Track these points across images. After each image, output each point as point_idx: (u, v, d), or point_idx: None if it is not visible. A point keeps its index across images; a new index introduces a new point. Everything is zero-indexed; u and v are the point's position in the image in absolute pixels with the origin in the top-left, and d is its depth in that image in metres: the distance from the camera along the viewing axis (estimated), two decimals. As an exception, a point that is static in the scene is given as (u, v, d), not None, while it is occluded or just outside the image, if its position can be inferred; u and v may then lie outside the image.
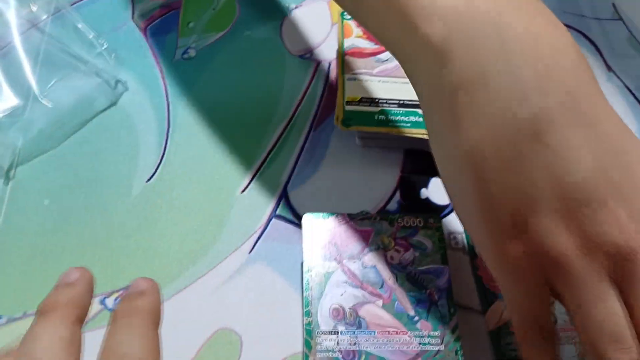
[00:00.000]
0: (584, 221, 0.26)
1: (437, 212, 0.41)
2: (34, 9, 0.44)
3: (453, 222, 0.40)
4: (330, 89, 0.46)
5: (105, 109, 0.44)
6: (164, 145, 0.43)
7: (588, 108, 0.27)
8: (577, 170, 0.26)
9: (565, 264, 0.26)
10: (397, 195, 0.42)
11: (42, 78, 0.42)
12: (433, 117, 0.30)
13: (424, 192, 0.42)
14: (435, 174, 0.42)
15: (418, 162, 0.43)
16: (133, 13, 0.49)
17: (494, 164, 0.27)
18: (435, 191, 0.42)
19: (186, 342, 0.35)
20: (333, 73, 0.47)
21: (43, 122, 0.41)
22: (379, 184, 0.42)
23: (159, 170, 0.42)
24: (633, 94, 0.47)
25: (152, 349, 0.27)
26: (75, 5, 0.48)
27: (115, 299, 0.37)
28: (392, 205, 0.41)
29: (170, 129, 0.43)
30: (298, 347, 0.34)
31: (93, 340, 0.31)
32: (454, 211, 0.32)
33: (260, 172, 0.42)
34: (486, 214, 0.28)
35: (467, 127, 0.28)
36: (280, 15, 0.50)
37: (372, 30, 0.34)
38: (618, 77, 0.48)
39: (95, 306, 0.36)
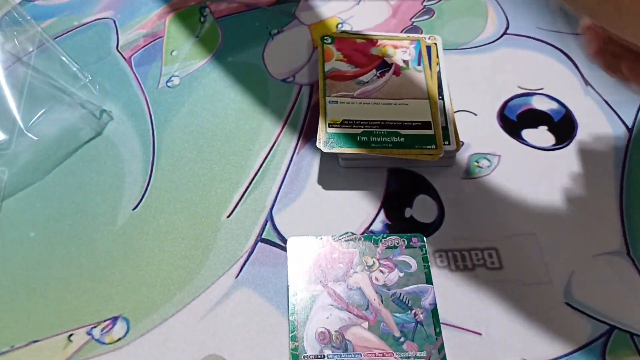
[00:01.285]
0: None
1: (421, 230, 0.41)
2: (18, 43, 0.44)
3: (438, 241, 0.41)
4: (313, 112, 0.46)
5: (90, 139, 0.44)
6: (149, 173, 0.43)
7: None
8: None
9: None
10: (382, 215, 0.42)
11: (27, 111, 0.43)
12: None
13: (408, 211, 0.42)
14: (420, 192, 0.43)
15: (402, 182, 0.44)
16: (117, 43, 0.49)
17: None
18: (419, 210, 0.42)
19: (174, 369, 0.35)
20: (315, 96, 0.47)
21: (29, 155, 0.42)
22: (363, 205, 0.42)
23: (144, 198, 0.42)
24: (611, 108, 0.48)
25: None
26: (59, 38, 0.49)
27: (102, 330, 0.37)
28: (377, 225, 0.41)
29: (156, 157, 0.44)
30: (286, 371, 0.34)
31: None
32: None
33: (245, 196, 0.42)
34: None
35: None
36: (263, 40, 0.50)
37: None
38: (595, 91, 0.49)
39: (82, 337, 0.36)
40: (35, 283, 0.38)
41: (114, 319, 0.37)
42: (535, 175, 0.44)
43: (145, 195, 0.42)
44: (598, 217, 0.42)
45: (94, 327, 0.37)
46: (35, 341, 0.36)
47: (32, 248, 0.40)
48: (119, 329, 0.37)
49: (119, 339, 0.36)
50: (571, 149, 0.46)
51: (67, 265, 0.39)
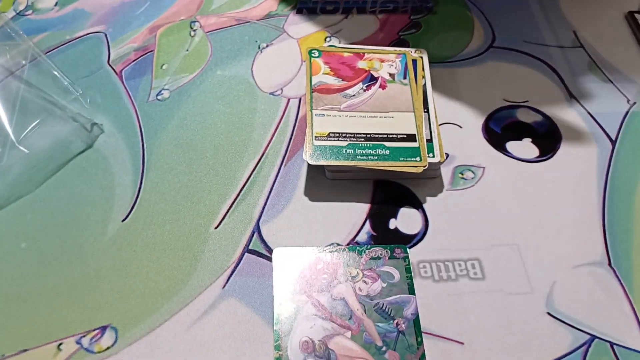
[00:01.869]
0: None
1: (405, 242, 0.42)
2: (11, 57, 0.45)
3: (422, 251, 0.42)
4: (300, 125, 0.47)
5: (81, 152, 0.45)
6: (139, 185, 0.44)
7: None
8: None
9: None
10: (367, 226, 0.43)
11: (19, 125, 0.43)
12: None
13: (393, 222, 0.43)
14: (404, 204, 0.44)
15: (387, 193, 0.44)
16: (109, 57, 0.50)
17: None
18: (404, 221, 0.43)
19: (161, 379, 0.36)
20: (303, 109, 0.48)
21: (20, 167, 0.43)
22: (349, 216, 0.43)
23: (134, 210, 0.43)
24: (595, 120, 0.49)
25: None
26: (51, 52, 0.50)
27: (91, 339, 0.37)
28: (362, 236, 0.42)
29: (145, 169, 0.45)
30: (270, 380, 0.35)
31: None
32: None
33: (233, 208, 0.43)
34: None
35: None
36: (251, 54, 0.51)
37: None
38: (580, 104, 0.50)
39: (71, 346, 0.37)
40: (26, 293, 0.39)
41: (103, 329, 0.38)
42: (519, 187, 0.45)
43: (135, 206, 0.43)
44: (580, 228, 0.43)
45: (83, 336, 0.38)
46: (25, 350, 0.37)
47: (24, 259, 0.40)
48: (108, 338, 0.37)
49: (108, 348, 0.37)
50: (555, 161, 0.47)
51: (58, 275, 0.40)
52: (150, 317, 0.38)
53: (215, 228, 0.42)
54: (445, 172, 0.46)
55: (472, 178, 0.46)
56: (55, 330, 0.38)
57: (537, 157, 0.47)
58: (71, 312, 0.38)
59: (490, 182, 0.45)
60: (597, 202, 0.44)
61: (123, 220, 0.42)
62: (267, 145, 0.46)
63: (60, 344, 0.37)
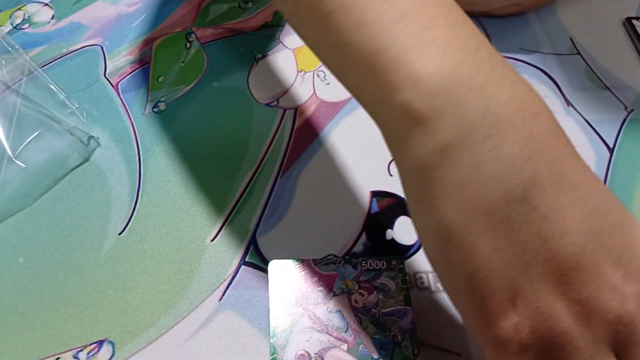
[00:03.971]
0: (579, 287, 0.25)
1: (402, 252, 0.42)
2: (7, 72, 0.45)
3: (418, 263, 0.41)
4: (296, 136, 0.47)
5: (78, 166, 0.45)
6: (135, 198, 0.44)
7: (571, 171, 0.27)
8: (568, 233, 0.26)
9: (562, 332, 0.25)
10: (364, 237, 0.43)
11: (16, 139, 0.44)
12: (413, 187, 0.30)
13: (390, 233, 0.43)
14: (400, 214, 0.44)
15: (383, 204, 0.44)
16: (105, 70, 0.50)
17: (482, 229, 0.27)
18: (401, 231, 0.43)
19: (158, 393, 0.36)
20: (299, 120, 0.48)
21: (17, 182, 0.43)
22: (345, 227, 0.43)
23: (130, 223, 0.43)
24: (592, 127, 0.49)
25: None
26: (47, 65, 0.50)
27: (88, 353, 0.37)
28: (359, 247, 0.42)
29: (142, 182, 0.45)
30: (267, 393, 0.35)
31: None
32: (442, 287, 0.31)
33: (229, 220, 0.43)
34: (476, 281, 0.27)
35: (451, 194, 0.27)
36: (247, 65, 0.51)
37: (351, 90, 0.32)
38: (577, 111, 0.50)
39: (68, 361, 0.37)
40: (23, 308, 0.39)
41: (100, 343, 0.38)
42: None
43: (131, 220, 0.43)
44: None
45: (80, 350, 0.38)
46: (22, 366, 0.37)
47: (21, 273, 0.41)
48: (105, 352, 0.37)
49: (105, 364, 0.37)
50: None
51: (55, 290, 0.40)
52: (147, 330, 0.38)
53: (212, 240, 0.42)
54: (442, 182, 0.46)
55: (469, 187, 0.45)
56: (52, 345, 0.38)
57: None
58: (68, 326, 0.38)
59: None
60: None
61: (119, 233, 0.42)
62: (264, 157, 0.46)
63: (58, 359, 0.37)
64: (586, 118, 0.49)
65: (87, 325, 0.39)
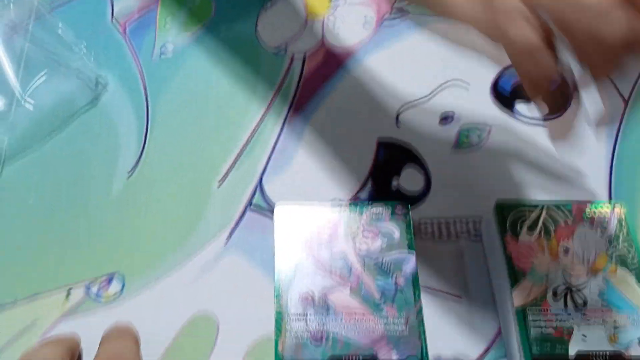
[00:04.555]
0: None
1: (408, 200, 0.42)
2: (15, 15, 0.45)
3: (423, 210, 0.42)
4: (304, 83, 0.47)
5: (86, 109, 0.45)
6: (143, 142, 0.44)
7: None
8: None
9: None
10: (370, 185, 0.43)
11: (24, 82, 0.44)
12: None
13: (396, 181, 0.43)
14: (407, 163, 0.44)
15: (390, 152, 0.44)
16: (112, 14, 0.50)
17: None
18: (407, 180, 0.43)
19: (166, 325, 0.37)
20: (307, 66, 0.48)
21: (26, 124, 0.43)
22: (351, 174, 0.43)
23: (138, 167, 0.43)
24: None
25: (138, 353, 0.32)
26: (55, 9, 0.49)
27: (99, 287, 0.38)
28: (364, 194, 0.42)
29: (149, 126, 0.45)
30: (271, 329, 0.36)
31: (80, 324, 0.36)
32: None
33: (236, 165, 0.43)
34: None
35: None
36: (256, 11, 0.51)
37: None
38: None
39: (80, 293, 0.38)
40: (36, 244, 0.40)
41: (110, 277, 0.39)
42: (525, 148, 0.45)
43: (139, 164, 0.43)
44: (587, 189, 0.43)
45: (91, 283, 0.39)
46: (36, 295, 0.38)
47: (32, 213, 0.41)
48: (115, 286, 0.39)
49: (115, 296, 0.38)
50: (564, 120, 0.46)
51: (65, 227, 0.41)
52: (155, 269, 0.39)
53: (219, 185, 0.43)
54: (450, 133, 0.45)
55: (478, 138, 0.45)
56: (64, 277, 0.39)
57: (546, 115, 0.46)
58: (79, 261, 0.40)
59: (496, 143, 0.45)
60: (605, 164, 0.44)
61: (128, 177, 0.43)
62: (271, 103, 0.46)
63: (70, 291, 0.38)
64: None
65: (97, 261, 0.40)
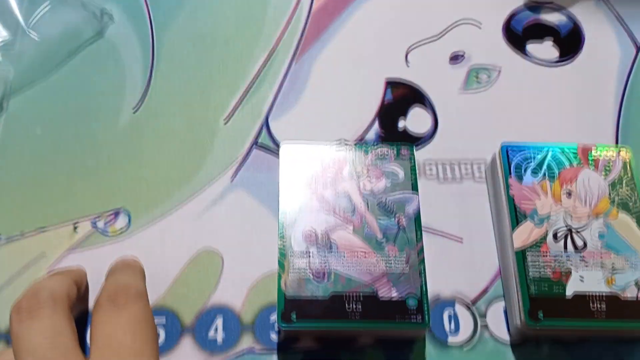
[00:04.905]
0: None
1: (413, 141, 0.42)
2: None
3: (429, 151, 0.42)
4: (313, 19, 0.46)
5: (91, 41, 0.45)
6: (149, 76, 0.44)
7: None
8: None
9: None
10: (376, 125, 0.43)
11: (29, 11, 0.43)
12: None
13: (402, 122, 0.43)
14: (414, 104, 0.43)
15: (398, 92, 0.44)
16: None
17: None
18: (413, 121, 0.43)
19: (171, 260, 0.38)
20: (316, 3, 0.47)
21: (32, 53, 0.43)
22: (358, 114, 0.43)
23: (145, 101, 0.43)
24: (622, 23, 0.47)
25: (144, 286, 0.34)
26: None
27: (105, 222, 0.39)
28: (370, 135, 0.42)
29: (155, 60, 0.44)
30: (275, 266, 0.37)
31: (86, 258, 0.37)
32: None
33: (243, 102, 0.43)
34: None
35: None
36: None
37: None
38: (608, 5, 0.48)
39: (86, 227, 0.39)
40: (43, 176, 0.40)
41: (117, 212, 0.39)
42: (535, 90, 0.44)
43: (145, 97, 0.43)
44: (594, 134, 0.43)
45: (98, 218, 0.39)
46: (43, 229, 0.39)
47: (39, 144, 0.41)
48: (121, 221, 0.39)
49: (121, 231, 0.39)
50: (575, 65, 0.45)
51: (72, 161, 0.41)
52: (161, 203, 0.40)
53: (225, 122, 0.43)
54: (460, 73, 0.45)
55: (487, 79, 0.45)
56: (70, 211, 0.39)
57: (558, 59, 0.46)
58: (86, 195, 0.40)
59: (506, 85, 0.44)
60: (614, 109, 0.44)
61: (134, 111, 0.43)
62: (279, 40, 0.45)
63: (76, 225, 0.39)
64: (618, 12, 0.47)
65: (103, 196, 0.40)
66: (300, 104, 0.43)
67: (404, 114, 0.43)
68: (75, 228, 0.39)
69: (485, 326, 0.36)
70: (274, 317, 0.36)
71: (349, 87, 0.44)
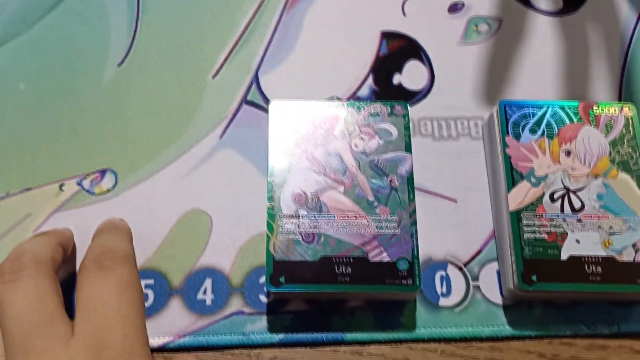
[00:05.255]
0: None
1: (409, 98, 0.40)
2: None
3: (424, 108, 0.40)
4: (305, -33, 0.44)
5: (74, -10, 0.43)
6: (134, 28, 0.42)
7: None
8: None
9: None
10: (370, 80, 0.41)
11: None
12: None
13: (397, 77, 0.41)
14: (411, 57, 0.41)
15: (393, 45, 0.42)
16: None
17: None
18: (409, 76, 0.41)
19: (160, 221, 0.37)
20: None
21: (14, 5, 0.41)
22: (352, 69, 0.41)
23: (130, 54, 0.41)
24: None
25: (131, 248, 0.34)
26: None
27: (91, 181, 0.38)
28: (364, 91, 0.41)
29: (140, 12, 0.42)
30: (265, 227, 0.36)
31: (72, 218, 0.36)
32: None
33: (231, 56, 0.42)
34: None
35: None
36: None
37: None
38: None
39: (72, 187, 0.38)
40: (27, 134, 0.39)
41: (103, 172, 0.39)
42: (537, 42, 0.42)
43: (131, 51, 0.41)
44: (597, 88, 0.41)
45: (84, 178, 0.38)
46: (28, 189, 0.38)
47: (23, 100, 0.40)
48: (108, 181, 0.38)
49: (108, 191, 0.38)
50: (579, 16, 0.43)
51: (57, 118, 0.40)
52: (148, 162, 0.39)
53: (213, 77, 0.41)
54: (459, 24, 0.43)
55: (487, 31, 0.43)
56: (56, 171, 0.38)
57: (562, 9, 0.43)
58: (71, 154, 0.39)
59: (507, 37, 0.42)
60: (618, 62, 0.42)
61: (119, 64, 0.41)
62: (269, -11, 0.43)
63: (62, 185, 0.38)
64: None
65: (89, 155, 0.39)
66: (292, 57, 0.42)
67: (399, 68, 0.41)
68: (61, 187, 0.38)
69: (478, 287, 0.36)
70: (263, 279, 0.36)
71: (342, 39, 0.42)
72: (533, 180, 0.36)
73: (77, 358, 0.27)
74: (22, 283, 0.29)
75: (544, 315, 0.35)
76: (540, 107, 0.37)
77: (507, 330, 0.35)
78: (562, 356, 0.34)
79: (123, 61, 0.41)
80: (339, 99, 0.40)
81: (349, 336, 0.34)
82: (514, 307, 0.36)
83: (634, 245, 0.34)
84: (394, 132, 0.37)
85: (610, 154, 0.36)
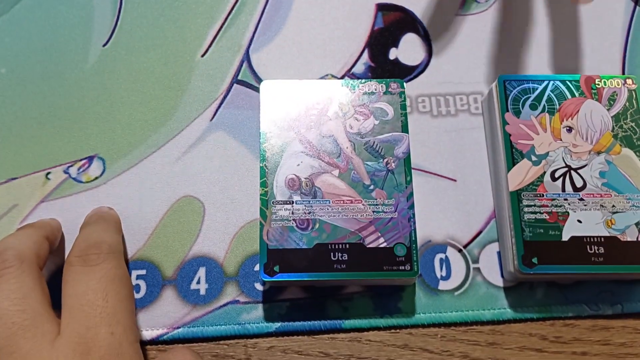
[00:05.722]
0: None
1: (406, 73, 0.39)
2: None
3: (422, 85, 0.39)
4: (295, -63, 0.42)
5: (52, -33, 0.41)
6: (118, 7, 0.40)
7: None
8: None
9: None
10: (365, 56, 0.39)
11: None
12: None
13: (394, 52, 0.40)
14: (407, 31, 0.40)
15: (389, 18, 0.40)
16: None
17: None
18: (406, 50, 0.40)
19: (150, 208, 0.36)
20: None
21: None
22: (346, 44, 0.40)
23: (114, 35, 0.40)
24: None
25: (118, 240, 0.33)
26: None
27: (79, 169, 0.37)
28: (359, 67, 0.39)
29: (124, -12, 0.41)
30: (257, 214, 0.35)
31: (60, 208, 0.36)
32: None
33: (220, 34, 0.40)
34: None
35: None
36: None
37: None
38: None
39: (59, 175, 0.37)
40: (10, 122, 0.38)
41: (90, 159, 0.37)
42: (539, 14, 0.41)
43: (115, 31, 0.40)
44: (599, 63, 0.39)
45: (71, 165, 0.37)
46: (14, 178, 0.37)
47: (4, 85, 0.39)
48: (95, 168, 0.37)
49: (96, 178, 0.37)
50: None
51: (41, 103, 0.38)
52: (137, 147, 0.38)
53: (202, 56, 0.39)
54: (457, -5, 0.41)
55: (487, 1, 0.41)
56: (42, 159, 0.37)
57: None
58: (57, 141, 0.38)
59: (507, 7, 0.41)
60: (621, 34, 0.40)
61: (104, 45, 0.40)
62: (258, -39, 0.41)
63: (48, 173, 0.37)
64: None
65: (75, 141, 0.38)
66: (283, 32, 0.40)
67: (395, 43, 0.40)
68: (47, 176, 0.37)
69: (478, 270, 0.35)
70: (258, 267, 0.35)
71: (336, 12, 0.40)
72: (534, 158, 0.35)
73: (63, 359, 0.27)
74: (5, 282, 0.28)
75: (546, 297, 0.35)
76: (540, 82, 0.36)
77: (509, 313, 0.34)
78: (565, 338, 0.34)
79: (108, 42, 0.40)
80: (333, 76, 0.39)
81: (347, 323, 0.34)
82: (515, 288, 0.35)
83: (637, 224, 0.33)
84: (390, 111, 0.36)
85: (613, 129, 0.35)
